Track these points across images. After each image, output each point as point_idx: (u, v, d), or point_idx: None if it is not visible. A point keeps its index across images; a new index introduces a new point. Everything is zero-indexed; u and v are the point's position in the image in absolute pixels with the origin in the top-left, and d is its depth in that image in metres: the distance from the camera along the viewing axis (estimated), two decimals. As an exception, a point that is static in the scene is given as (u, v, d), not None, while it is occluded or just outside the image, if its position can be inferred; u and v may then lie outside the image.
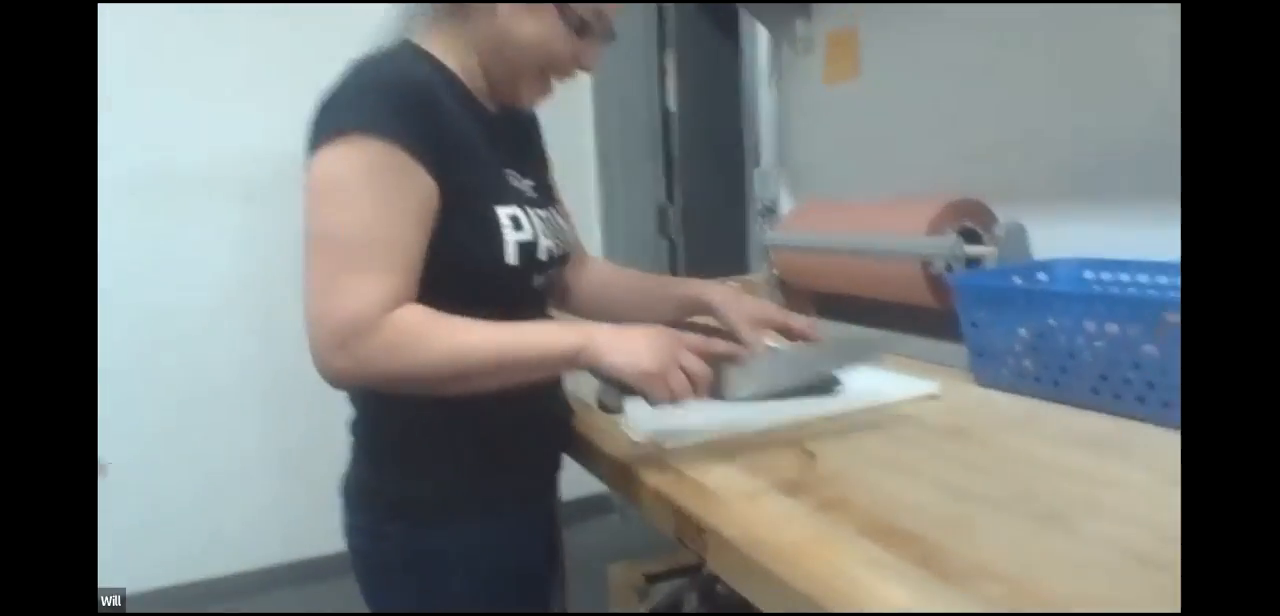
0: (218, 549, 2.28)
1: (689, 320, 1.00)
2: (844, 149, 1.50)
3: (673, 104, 2.48)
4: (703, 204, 2.48)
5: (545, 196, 0.90)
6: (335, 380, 0.70)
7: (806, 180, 1.61)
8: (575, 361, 0.73)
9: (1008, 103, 1.18)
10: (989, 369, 0.96)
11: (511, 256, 0.78)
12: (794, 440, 0.82)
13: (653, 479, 0.77)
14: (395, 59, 0.78)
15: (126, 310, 2.11)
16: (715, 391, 0.76)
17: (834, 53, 1.48)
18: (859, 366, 0.89)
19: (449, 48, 0.81)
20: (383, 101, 0.71)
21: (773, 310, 0.99)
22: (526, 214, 0.81)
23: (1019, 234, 1.06)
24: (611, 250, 2.49)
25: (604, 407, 0.78)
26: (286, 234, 2.44)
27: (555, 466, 0.93)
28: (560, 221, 0.89)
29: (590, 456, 0.90)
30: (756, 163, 1.69)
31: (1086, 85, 1.07)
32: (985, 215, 1.14)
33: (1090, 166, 1.08)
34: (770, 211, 1.61)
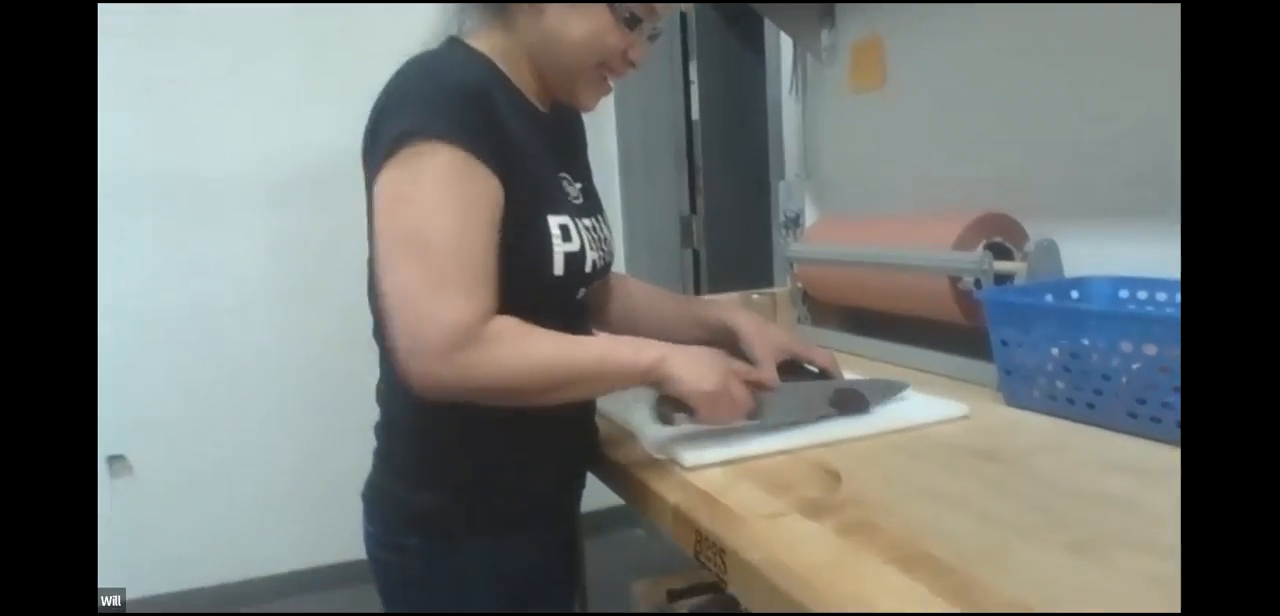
0: (238, 551, 2.30)
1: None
2: (869, 161, 1.48)
3: (696, 114, 2.47)
4: (727, 215, 2.46)
5: (592, 203, 0.90)
6: (434, 389, 0.69)
7: (831, 192, 1.59)
8: (651, 374, 0.76)
9: (1037, 115, 1.15)
10: (1019, 389, 0.94)
11: (558, 267, 0.78)
12: (818, 460, 0.80)
13: (674, 496, 0.76)
14: (451, 60, 0.78)
15: (151, 312, 2.14)
16: (751, 415, 0.82)
17: (858, 61, 1.46)
18: (884, 403, 0.93)
19: (498, 48, 0.81)
20: (451, 106, 0.71)
21: (797, 344, 0.99)
22: (575, 224, 0.80)
23: (1050, 250, 1.03)
24: (634, 260, 2.48)
25: (660, 417, 0.81)
26: (311, 238, 2.49)
27: (578, 482, 0.93)
28: (604, 231, 0.89)
29: (612, 474, 0.89)
30: (781, 174, 1.68)
31: (1120, 98, 1.04)
32: (1015, 230, 1.11)
33: (1123, 182, 1.05)
34: (794, 223, 1.59)
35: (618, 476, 0.88)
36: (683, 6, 2.39)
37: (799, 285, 1.43)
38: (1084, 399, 0.86)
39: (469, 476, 0.81)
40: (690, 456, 0.81)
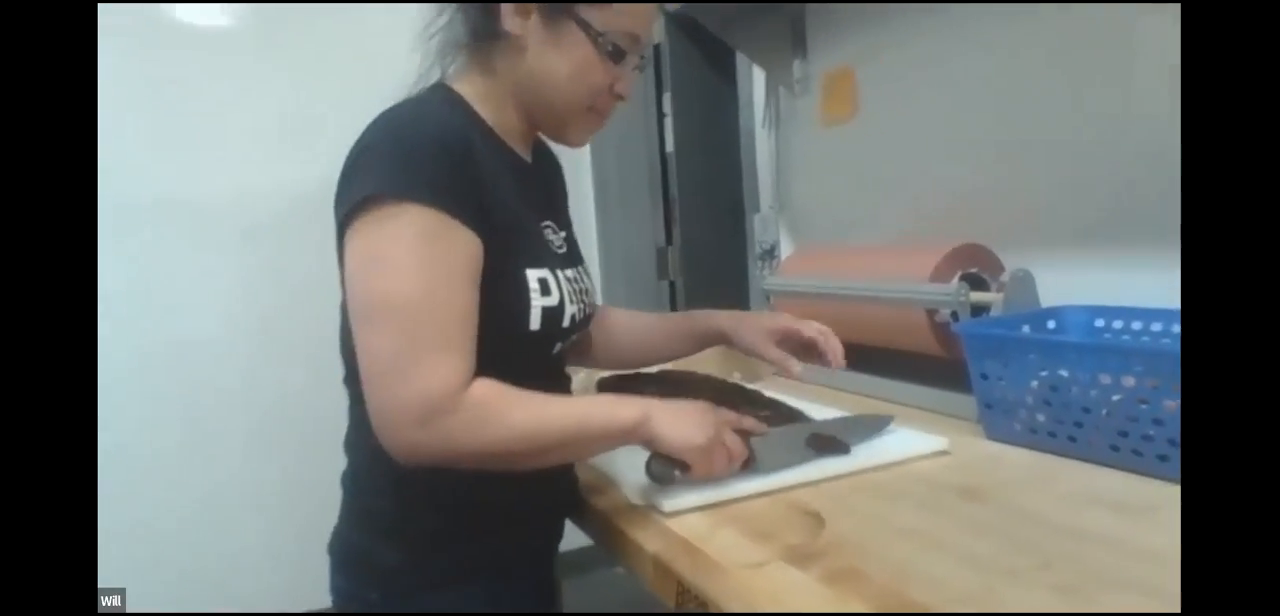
0: (208, 593, 2.22)
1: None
2: (843, 192, 1.49)
3: (671, 146, 2.47)
4: (703, 246, 2.46)
5: (574, 253, 0.88)
6: (414, 458, 0.67)
7: (806, 224, 1.59)
8: (635, 435, 0.74)
9: (1010, 145, 1.16)
10: (1000, 423, 0.93)
11: (535, 322, 0.75)
12: (799, 502, 0.78)
13: (654, 545, 0.74)
14: (430, 110, 0.76)
15: (122, 345, 2.08)
16: (747, 463, 0.80)
17: (829, 93, 1.47)
18: (870, 439, 0.92)
19: (480, 94, 0.79)
20: (423, 163, 0.68)
21: (785, 322, 0.97)
22: (555, 276, 0.78)
23: (1026, 281, 1.03)
24: (610, 292, 2.46)
25: (654, 477, 0.78)
26: (285, 273, 2.41)
27: (556, 531, 0.90)
28: (586, 282, 0.87)
29: (591, 521, 0.87)
30: (755, 206, 1.68)
31: (1092, 127, 1.06)
32: (990, 261, 1.11)
33: (1097, 212, 1.05)
34: (770, 255, 1.58)
35: (597, 524, 0.85)
36: (657, 39, 2.40)
37: (776, 317, 1.42)
38: (1065, 432, 0.85)
39: (438, 529, 0.78)
40: (669, 502, 0.79)
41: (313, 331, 1.88)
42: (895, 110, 1.35)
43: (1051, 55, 1.09)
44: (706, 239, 2.43)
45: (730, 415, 0.82)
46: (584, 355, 1.00)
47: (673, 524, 0.76)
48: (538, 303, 0.75)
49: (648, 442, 0.75)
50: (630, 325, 1.05)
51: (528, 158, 0.84)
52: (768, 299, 1.42)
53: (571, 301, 0.80)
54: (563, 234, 0.86)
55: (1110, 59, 1.02)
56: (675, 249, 2.53)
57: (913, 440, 0.92)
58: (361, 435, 0.75)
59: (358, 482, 0.82)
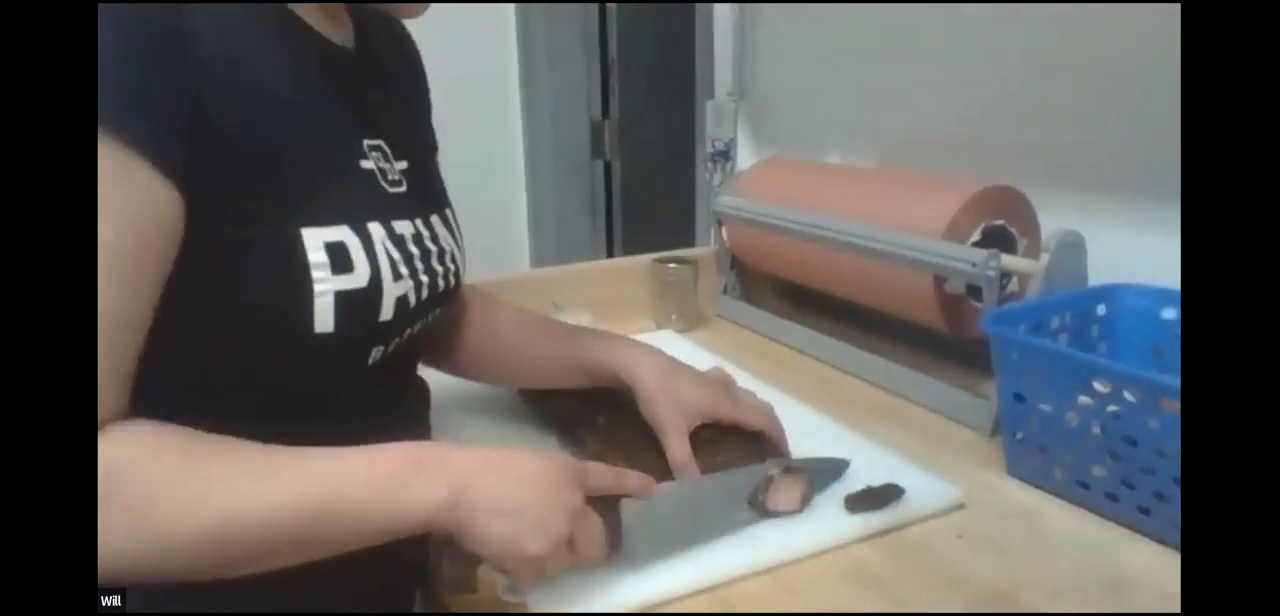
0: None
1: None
2: (825, 91, 1.15)
3: (613, -4, 2.06)
4: (647, 125, 2.10)
5: (423, 192, 0.55)
6: None
7: (772, 124, 1.25)
8: (432, 524, 0.45)
9: (1049, 55, 0.84)
10: (1031, 462, 0.66)
11: (325, 319, 0.45)
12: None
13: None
14: None
15: None
16: (612, 544, 0.52)
17: (819, -48, 1.11)
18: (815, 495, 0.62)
19: None
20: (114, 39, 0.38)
21: (723, 401, 0.65)
22: (365, 236, 0.47)
23: (1075, 248, 0.74)
24: (536, 170, 2.10)
25: (451, 582, 0.51)
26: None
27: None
28: (445, 240, 0.56)
29: (436, 604, 0.58)
30: (709, 91, 1.33)
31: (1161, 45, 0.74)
32: (1023, 212, 0.82)
33: (1158, 157, 0.75)
34: (723, 157, 1.26)
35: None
36: None
37: (726, 243, 1.11)
38: (1135, 502, 0.59)
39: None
40: (544, 607, 0.50)
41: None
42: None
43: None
44: (653, 116, 2.07)
45: (605, 477, 0.52)
46: (452, 358, 0.69)
47: (549, 659, 0.48)
48: (328, 285, 0.45)
49: (458, 536, 0.46)
50: (522, 335, 0.71)
51: (341, 37, 0.52)
52: (717, 223, 1.10)
53: (398, 277, 0.49)
54: (403, 163, 0.53)
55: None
56: (613, 123, 2.16)
57: (920, 489, 0.63)
58: None
59: None
